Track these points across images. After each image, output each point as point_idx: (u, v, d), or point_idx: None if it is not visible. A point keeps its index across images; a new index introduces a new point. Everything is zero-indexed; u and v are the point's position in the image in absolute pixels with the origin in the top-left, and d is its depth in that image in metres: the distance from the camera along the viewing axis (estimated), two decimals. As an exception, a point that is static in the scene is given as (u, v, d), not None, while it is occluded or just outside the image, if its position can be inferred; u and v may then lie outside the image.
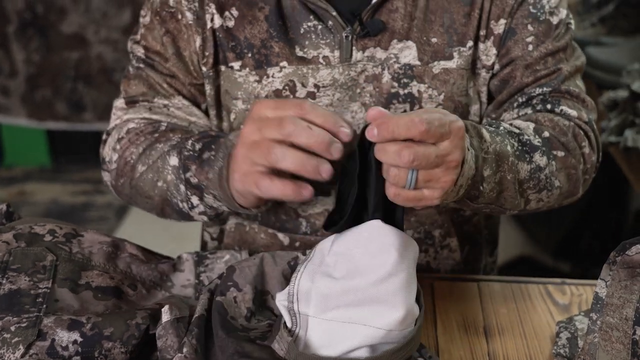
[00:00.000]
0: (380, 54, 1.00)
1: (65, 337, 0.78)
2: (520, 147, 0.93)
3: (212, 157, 0.91)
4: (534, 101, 1.03)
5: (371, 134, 0.75)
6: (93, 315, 0.80)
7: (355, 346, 0.76)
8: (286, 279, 0.87)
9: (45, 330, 0.78)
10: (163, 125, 1.04)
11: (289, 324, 0.78)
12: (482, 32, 1.02)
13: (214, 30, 1.03)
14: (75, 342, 0.77)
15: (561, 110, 1.02)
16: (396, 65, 1.00)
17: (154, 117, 1.05)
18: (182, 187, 0.95)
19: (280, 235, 1.08)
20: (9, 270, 0.84)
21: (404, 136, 0.75)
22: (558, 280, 1.04)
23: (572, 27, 1.07)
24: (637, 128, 1.46)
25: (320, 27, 1.00)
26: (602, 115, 1.61)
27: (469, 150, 0.82)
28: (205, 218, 0.99)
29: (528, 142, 0.94)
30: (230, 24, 1.02)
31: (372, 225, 0.79)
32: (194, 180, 0.93)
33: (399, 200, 0.78)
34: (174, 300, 0.87)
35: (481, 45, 1.03)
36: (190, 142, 0.95)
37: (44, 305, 0.81)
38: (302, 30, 1.00)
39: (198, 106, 1.07)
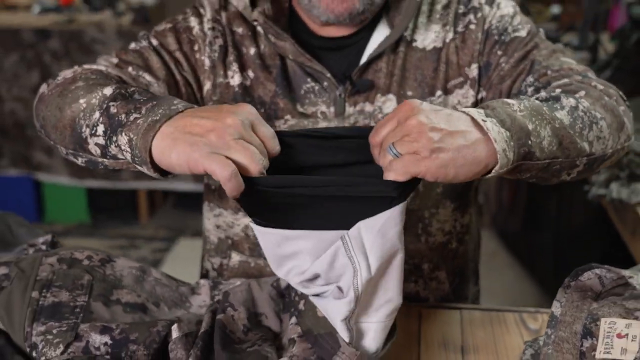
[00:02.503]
0: (368, 107, 1.17)
1: (98, 339, 0.93)
2: (544, 102, 0.96)
3: (142, 101, 0.91)
4: (529, 92, 1.10)
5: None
6: (121, 324, 0.95)
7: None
8: (273, 300, 1.03)
9: (81, 333, 0.93)
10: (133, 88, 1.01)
11: (347, 339, 0.89)
12: (455, 82, 1.17)
13: (230, 86, 1.18)
14: (105, 343, 0.92)
15: (555, 84, 1.06)
16: (380, 116, 1.17)
17: (131, 83, 1.08)
18: (97, 114, 0.93)
19: None
20: (52, 287, 0.99)
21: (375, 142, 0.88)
22: (532, 309, 1.16)
23: (541, 33, 1.19)
24: (621, 181, 1.59)
25: (317, 87, 1.17)
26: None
27: (485, 121, 0.86)
28: (98, 151, 0.94)
29: (547, 97, 0.98)
30: (248, 83, 1.19)
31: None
32: (113, 110, 0.91)
33: (400, 171, 0.82)
34: (188, 316, 1.02)
35: (459, 91, 1.18)
36: (138, 93, 0.96)
37: (81, 315, 0.96)
38: (302, 91, 1.18)
39: None
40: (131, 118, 0.88)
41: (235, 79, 1.19)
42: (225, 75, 1.19)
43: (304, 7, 1.15)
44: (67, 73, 1.08)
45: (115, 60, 1.14)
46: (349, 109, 1.17)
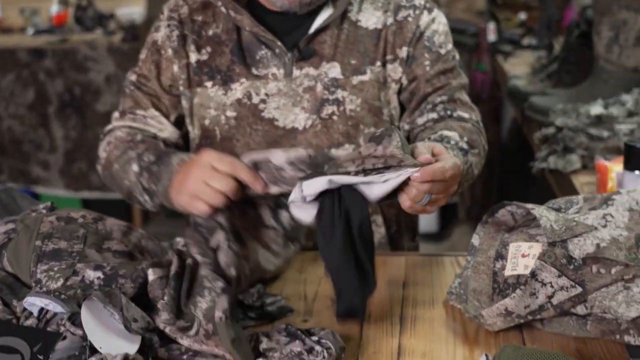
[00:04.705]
0: (312, 71, 1.41)
1: (92, 275, 1.11)
2: (464, 154, 1.30)
3: (157, 172, 1.31)
4: (437, 108, 1.42)
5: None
6: (112, 263, 1.13)
7: None
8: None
9: (78, 270, 1.11)
10: (138, 136, 1.45)
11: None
12: (390, 57, 1.43)
13: (190, 63, 1.45)
14: (98, 277, 1.10)
15: (458, 115, 1.41)
16: (326, 79, 1.40)
17: (134, 124, 1.49)
18: (140, 187, 1.36)
19: None
20: (53, 237, 1.17)
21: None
22: (466, 253, 1.35)
23: (457, 56, 1.48)
24: (557, 154, 1.78)
25: (269, 53, 1.41)
26: (537, 147, 1.95)
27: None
28: (159, 208, 1.41)
29: (462, 147, 1.31)
30: (205, 57, 1.44)
31: None
32: (146, 185, 1.35)
33: (411, 210, 1.10)
34: (163, 261, 1.20)
35: (390, 66, 1.43)
36: (147, 154, 1.36)
37: (77, 257, 1.14)
38: (257, 57, 1.42)
39: (167, 117, 1.50)
40: (158, 189, 1.32)
41: (192, 57, 1.46)
42: (187, 57, 1.46)
43: None
44: (102, 153, 1.49)
45: (117, 114, 1.52)
46: (296, 72, 1.42)
